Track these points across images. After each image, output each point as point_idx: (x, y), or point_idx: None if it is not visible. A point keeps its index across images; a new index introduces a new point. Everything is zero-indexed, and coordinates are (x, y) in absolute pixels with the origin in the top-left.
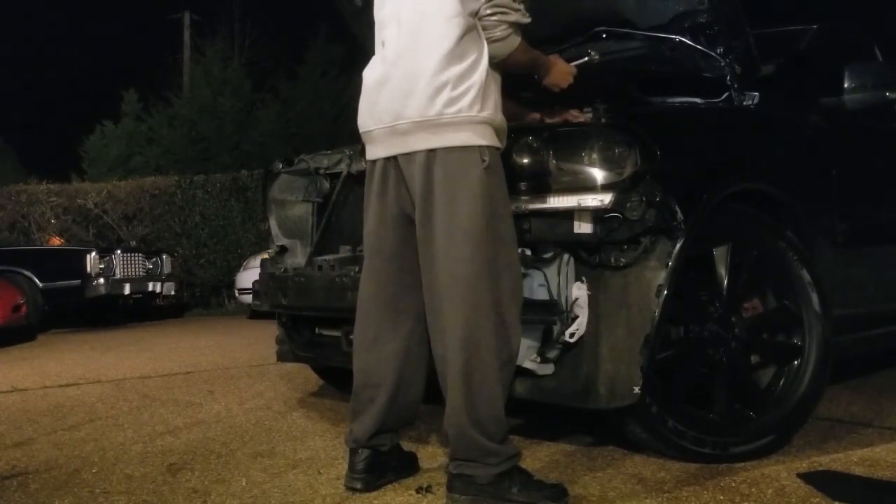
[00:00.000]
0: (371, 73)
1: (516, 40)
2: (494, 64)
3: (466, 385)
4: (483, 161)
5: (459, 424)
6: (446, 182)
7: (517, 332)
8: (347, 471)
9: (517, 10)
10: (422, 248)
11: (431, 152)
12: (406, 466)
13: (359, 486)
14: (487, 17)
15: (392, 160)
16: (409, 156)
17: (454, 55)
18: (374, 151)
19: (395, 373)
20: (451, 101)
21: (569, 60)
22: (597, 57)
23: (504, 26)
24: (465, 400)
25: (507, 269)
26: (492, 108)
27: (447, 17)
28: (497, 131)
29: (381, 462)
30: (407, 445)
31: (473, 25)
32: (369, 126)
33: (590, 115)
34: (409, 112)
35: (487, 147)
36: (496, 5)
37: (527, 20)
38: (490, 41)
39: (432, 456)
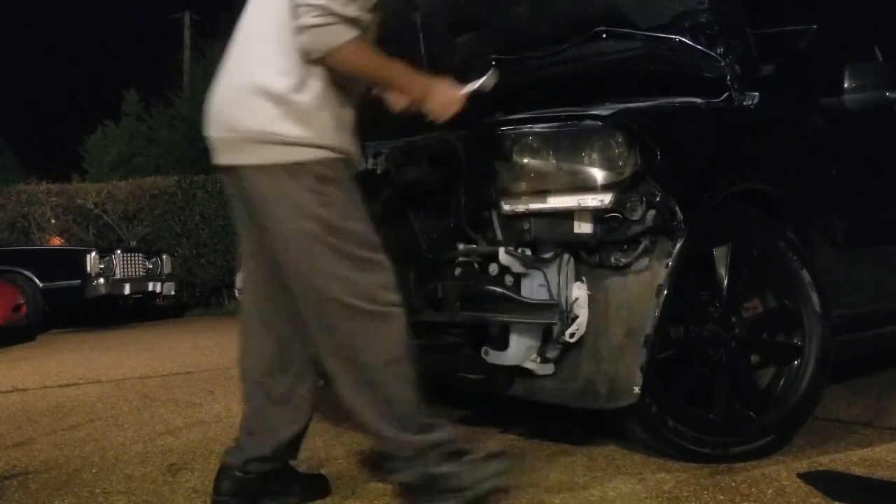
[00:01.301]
0: None
1: (339, 34)
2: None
3: (360, 397)
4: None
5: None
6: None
7: (390, 328)
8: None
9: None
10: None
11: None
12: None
13: None
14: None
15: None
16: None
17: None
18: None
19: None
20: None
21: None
22: (494, 80)
23: (314, 11)
24: (366, 410)
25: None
26: (318, 128)
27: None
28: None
29: (252, 486)
30: None
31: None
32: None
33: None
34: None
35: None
36: None
37: (356, 13)
38: (299, 29)
39: None
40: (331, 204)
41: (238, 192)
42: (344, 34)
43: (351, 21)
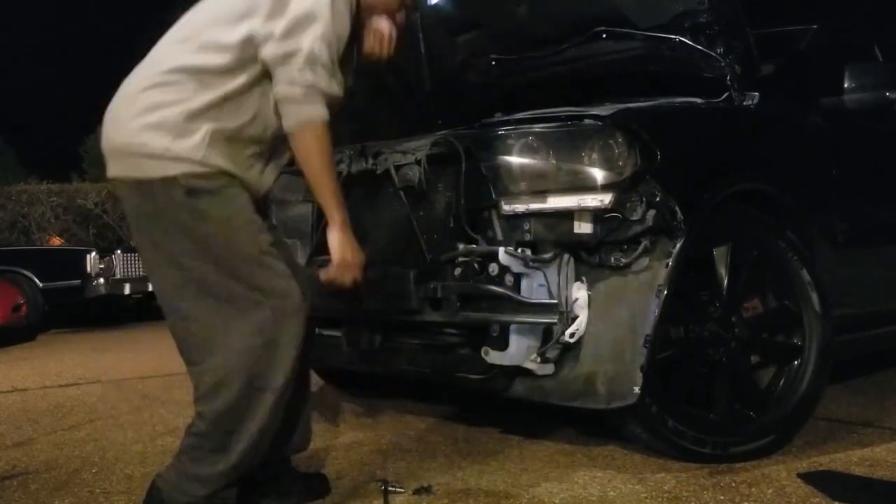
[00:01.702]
0: None
1: (314, 112)
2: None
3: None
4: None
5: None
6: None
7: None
8: None
9: (317, 72)
10: None
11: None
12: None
13: None
14: (275, 74)
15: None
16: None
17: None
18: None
19: None
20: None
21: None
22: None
23: (300, 88)
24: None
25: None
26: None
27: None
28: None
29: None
30: (408, 445)
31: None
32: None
33: None
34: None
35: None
36: (284, 59)
37: (333, 90)
38: (280, 103)
39: (432, 456)
40: (204, 219)
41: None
42: (318, 112)
43: (328, 96)
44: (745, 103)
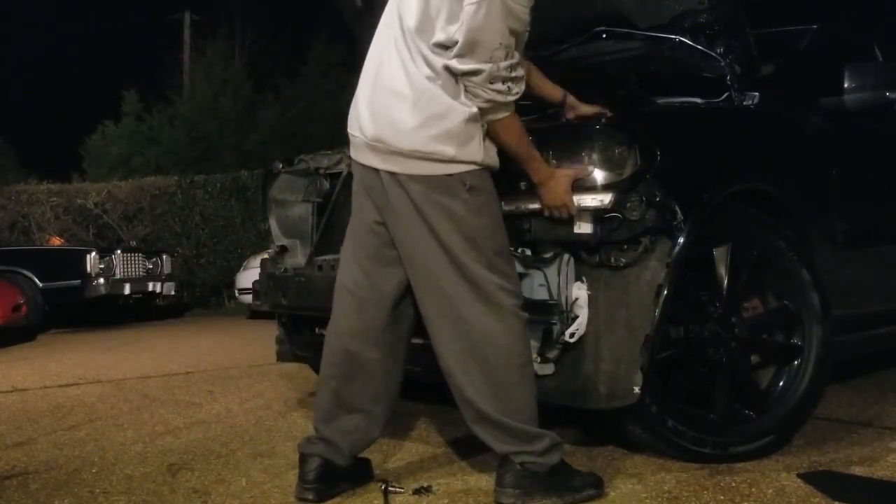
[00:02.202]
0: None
1: (498, 113)
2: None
3: (484, 397)
4: (464, 185)
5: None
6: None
7: (521, 330)
8: (298, 480)
9: (497, 89)
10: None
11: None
12: (361, 475)
13: (310, 496)
14: (464, 80)
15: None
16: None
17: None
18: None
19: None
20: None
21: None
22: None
23: (483, 99)
24: (488, 405)
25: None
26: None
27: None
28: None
29: (334, 471)
30: (408, 445)
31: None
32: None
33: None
34: (389, 138)
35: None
36: (467, 78)
37: (514, 96)
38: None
39: (432, 456)
40: (478, 212)
41: (380, 193)
42: (502, 112)
43: (509, 104)
44: (745, 103)
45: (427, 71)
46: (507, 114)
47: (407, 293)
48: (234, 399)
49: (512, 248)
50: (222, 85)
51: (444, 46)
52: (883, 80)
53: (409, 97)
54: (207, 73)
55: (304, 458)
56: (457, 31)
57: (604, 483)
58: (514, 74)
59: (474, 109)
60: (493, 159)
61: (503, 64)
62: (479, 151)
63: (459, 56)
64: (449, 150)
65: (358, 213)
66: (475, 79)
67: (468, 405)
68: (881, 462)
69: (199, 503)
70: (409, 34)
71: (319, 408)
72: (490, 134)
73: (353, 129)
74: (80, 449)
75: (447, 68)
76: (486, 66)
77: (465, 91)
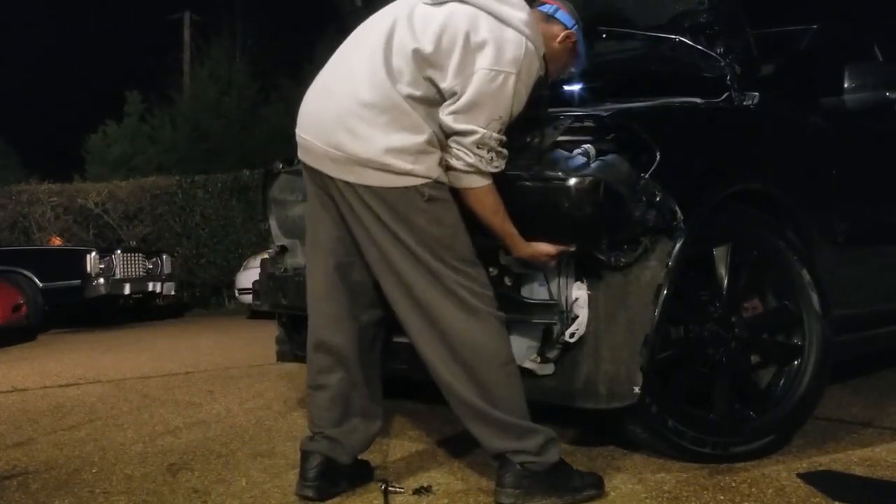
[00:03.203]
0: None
1: (475, 182)
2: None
3: (470, 397)
4: (423, 196)
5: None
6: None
7: (498, 330)
8: (299, 477)
9: (483, 156)
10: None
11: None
12: (361, 475)
13: (311, 493)
14: (448, 140)
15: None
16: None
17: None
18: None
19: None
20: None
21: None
22: None
23: (463, 164)
24: (477, 406)
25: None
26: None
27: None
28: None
29: (335, 469)
30: (408, 445)
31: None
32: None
33: None
34: (347, 146)
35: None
36: (456, 136)
37: (494, 168)
38: (446, 165)
39: (432, 456)
40: (438, 221)
41: (341, 201)
42: (478, 182)
43: (486, 175)
44: (745, 103)
45: (407, 90)
46: (482, 184)
47: (375, 288)
48: (234, 399)
49: None
50: (227, 85)
51: (438, 89)
52: (883, 80)
53: (377, 108)
54: (211, 74)
55: (305, 456)
56: (458, 85)
57: (604, 483)
58: (500, 149)
59: (437, 135)
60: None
61: (495, 135)
62: (436, 169)
63: (456, 113)
64: (405, 165)
65: (317, 221)
66: (466, 140)
67: (459, 403)
68: (881, 462)
69: (199, 503)
70: (404, 53)
71: (319, 407)
72: (465, 201)
73: (304, 131)
74: (80, 449)
75: (427, 104)
76: (480, 130)
77: (448, 150)
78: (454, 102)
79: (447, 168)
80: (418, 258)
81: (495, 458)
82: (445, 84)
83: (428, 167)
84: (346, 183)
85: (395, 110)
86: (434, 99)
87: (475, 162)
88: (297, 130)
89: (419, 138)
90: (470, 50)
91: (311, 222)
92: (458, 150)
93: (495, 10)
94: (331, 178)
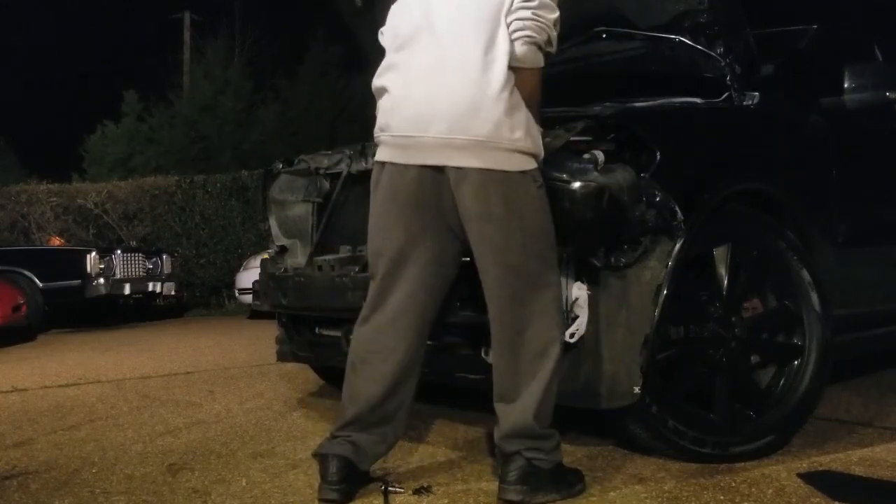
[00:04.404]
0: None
1: (540, 60)
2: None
3: (534, 382)
4: (535, 182)
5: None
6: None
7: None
8: (321, 481)
9: (549, 27)
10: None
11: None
12: (367, 480)
13: (335, 496)
14: (521, 13)
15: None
16: (462, 170)
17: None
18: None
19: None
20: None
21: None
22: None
23: (545, 37)
24: (527, 380)
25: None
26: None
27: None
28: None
29: (355, 473)
30: (408, 445)
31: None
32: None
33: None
34: (472, 128)
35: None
36: (538, 10)
37: (551, 48)
38: (524, 41)
39: (432, 456)
40: (544, 209)
41: (453, 191)
42: (542, 62)
43: (543, 56)
44: (745, 103)
45: (505, 59)
46: (537, 66)
47: (437, 292)
48: (234, 399)
49: None
50: (222, 85)
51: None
52: (883, 80)
53: (489, 87)
54: (207, 73)
55: (325, 459)
56: None
57: (583, 475)
58: (556, 35)
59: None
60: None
61: (556, 19)
62: (540, 147)
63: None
64: (524, 143)
65: (403, 223)
66: (548, 14)
67: (506, 410)
68: (881, 462)
69: (199, 503)
70: (492, 17)
71: (355, 406)
72: (522, 83)
73: (407, 129)
74: (80, 449)
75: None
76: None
77: (523, 23)
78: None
79: (531, 42)
80: (523, 247)
81: (504, 455)
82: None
83: (537, 145)
84: (464, 175)
85: (505, 84)
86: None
87: (547, 32)
88: (393, 131)
89: (523, 109)
90: None
91: (390, 231)
92: (539, 22)
93: None
94: (451, 170)
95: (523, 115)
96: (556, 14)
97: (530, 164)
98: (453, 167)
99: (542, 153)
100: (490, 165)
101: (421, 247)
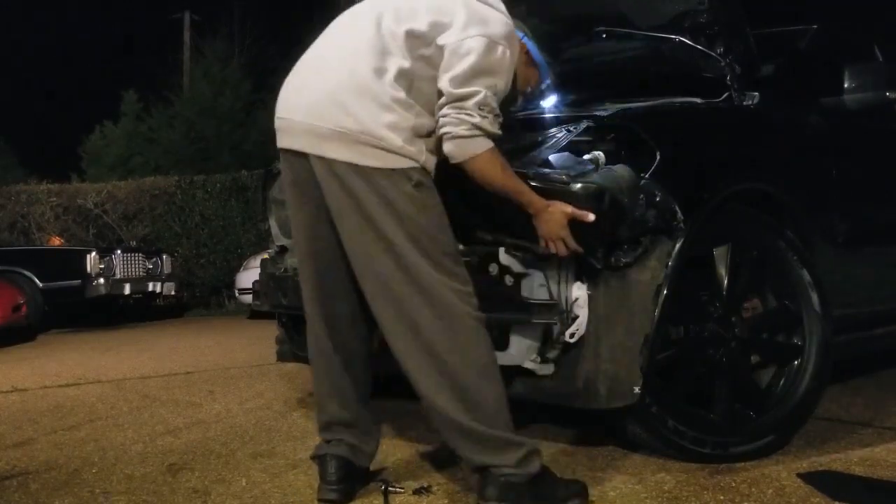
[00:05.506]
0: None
1: (480, 146)
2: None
3: (442, 396)
4: (410, 180)
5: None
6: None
7: (476, 333)
8: (320, 482)
9: (486, 116)
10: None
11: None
12: (368, 477)
13: (335, 496)
14: (444, 111)
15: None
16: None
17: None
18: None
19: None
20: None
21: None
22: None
23: (466, 126)
24: (447, 406)
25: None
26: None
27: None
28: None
29: (353, 472)
30: (408, 445)
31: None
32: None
33: None
34: (340, 119)
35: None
36: (457, 101)
37: (497, 129)
38: (445, 138)
39: (432, 456)
40: (423, 210)
41: (320, 182)
42: (485, 145)
43: (491, 135)
44: (745, 103)
45: (400, 68)
46: (489, 146)
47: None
48: (234, 399)
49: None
50: (221, 85)
51: (433, 65)
52: (883, 80)
53: (369, 86)
54: (207, 73)
55: (324, 460)
56: (455, 56)
57: (587, 490)
58: (498, 112)
59: (427, 122)
60: (432, 167)
61: (494, 98)
62: (425, 155)
63: (457, 78)
64: (398, 142)
65: (299, 212)
66: (468, 102)
67: (435, 410)
68: (881, 462)
69: (199, 503)
70: (395, 34)
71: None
72: (472, 174)
73: (285, 112)
74: (80, 449)
75: (419, 83)
76: (482, 90)
77: (447, 122)
78: (454, 69)
79: (451, 138)
80: (399, 250)
81: (475, 470)
82: (443, 57)
83: (418, 150)
84: (330, 166)
85: (389, 89)
86: (427, 77)
87: (480, 122)
88: (277, 114)
89: (411, 117)
90: (464, 24)
91: (292, 219)
92: (459, 114)
93: None
94: (317, 160)
95: (411, 127)
96: (488, 79)
97: (403, 163)
98: (317, 156)
99: (426, 163)
100: (356, 160)
101: (322, 238)
